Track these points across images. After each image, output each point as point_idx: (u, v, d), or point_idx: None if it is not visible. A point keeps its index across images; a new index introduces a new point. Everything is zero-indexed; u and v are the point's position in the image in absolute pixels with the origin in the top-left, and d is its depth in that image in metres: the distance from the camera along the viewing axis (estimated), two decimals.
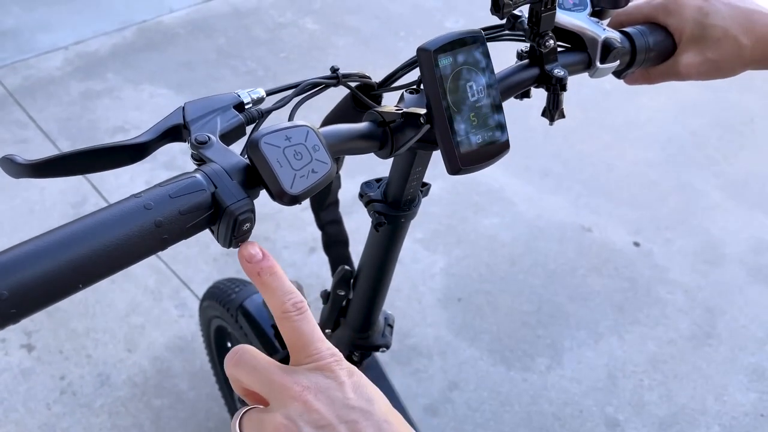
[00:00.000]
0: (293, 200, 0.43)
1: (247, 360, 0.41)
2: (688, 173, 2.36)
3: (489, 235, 2.07)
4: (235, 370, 0.41)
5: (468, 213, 2.14)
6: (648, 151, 2.45)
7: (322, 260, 1.92)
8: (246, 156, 0.44)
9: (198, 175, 0.42)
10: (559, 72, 0.57)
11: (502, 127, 0.52)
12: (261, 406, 0.40)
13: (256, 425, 0.39)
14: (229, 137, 0.48)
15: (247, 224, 0.42)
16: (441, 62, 0.49)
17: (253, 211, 0.42)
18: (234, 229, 0.42)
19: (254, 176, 0.43)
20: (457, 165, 0.50)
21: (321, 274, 1.90)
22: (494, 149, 0.52)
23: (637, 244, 2.08)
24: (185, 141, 0.48)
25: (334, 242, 0.89)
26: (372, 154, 0.53)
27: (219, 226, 0.42)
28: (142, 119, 2.37)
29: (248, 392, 0.42)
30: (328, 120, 0.67)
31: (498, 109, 0.52)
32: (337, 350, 0.41)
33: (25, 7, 2.94)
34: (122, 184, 2.09)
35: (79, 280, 0.38)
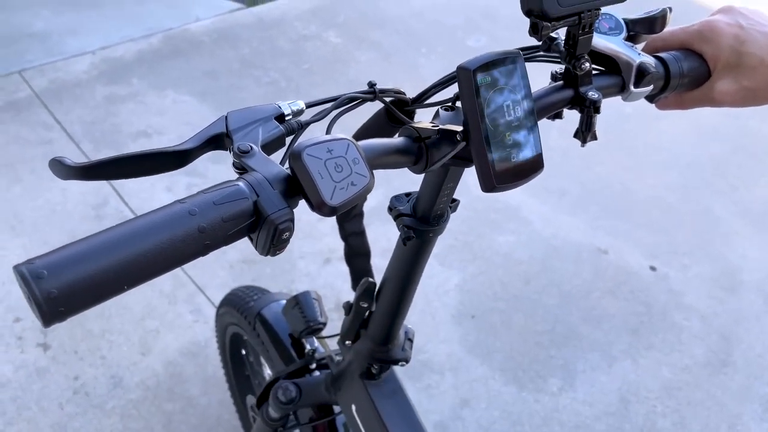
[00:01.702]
0: (332, 211, 0.44)
1: None
2: (706, 199, 2.35)
3: (504, 252, 2.07)
4: None
5: (484, 230, 2.14)
6: (667, 175, 2.44)
7: (337, 271, 1.93)
8: (287, 166, 0.45)
9: (241, 184, 0.43)
10: (593, 95, 0.58)
11: (537, 146, 0.53)
12: None
13: None
14: (269, 147, 0.49)
15: (287, 233, 0.43)
16: (480, 81, 0.50)
17: (292, 220, 0.43)
18: (273, 238, 0.43)
19: (295, 186, 0.44)
20: (492, 183, 0.51)
21: (335, 285, 1.90)
22: (529, 168, 0.52)
23: (653, 268, 2.07)
24: (227, 149, 0.49)
25: (356, 254, 0.90)
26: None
27: (259, 234, 0.43)
28: (164, 125, 2.40)
29: None
30: (361, 133, 0.68)
31: (533, 128, 0.53)
32: None
33: (55, 11, 2.99)
34: (143, 188, 2.11)
35: (124, 281, 0.38)
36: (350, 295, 1.99)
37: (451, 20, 3.23)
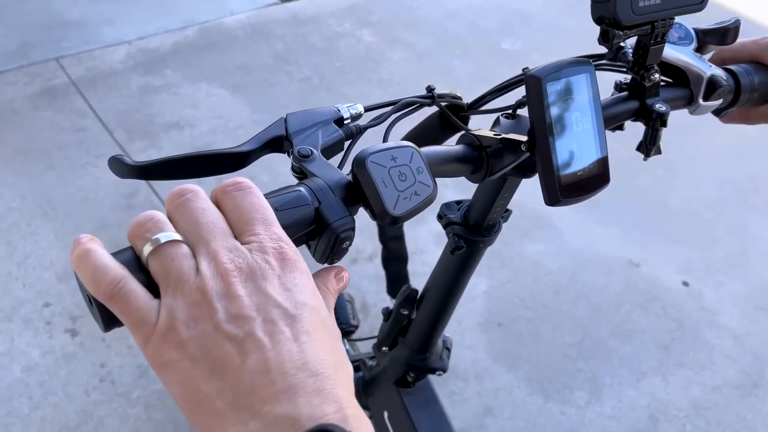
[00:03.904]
0: (394, 221, 0.42)
1: (198, 207, 0.36)
2: (743, 216, 2.29)
3: (534, 261, 2.04)
4: (177, 211, 0.36)
5: (514, 237, 2.11)
6: (703, 190, 2.39)
7: (363, 272, 1.92)
8: (350, 173, 0.43)
9: (302, 189, 0.41)
10: (660, 107, 0.56)
11: (604, 159, 0.51)
12: (186, 249, 0.35)
13: (174, 278, 0.35)
14: (328, 151, 0.48)
15: (347, 242, 0.42)
16: (549, 89, 0.48)
17: (353, 229, 0.42)
18: (334, 246, 0.41)
19: (356, 193, 0.43)
20: (557, 196, 0.49)
21: (362, 285, 1.89)
22: (595, 182, 0.50)
23: (686, 284, 2.03)
24: (285, 152, 0.48)
25: (394, 258, 0.89)
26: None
27: (318, 242, 0.42)
28: (197, 117, 2.41)
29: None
30: (412, 136, 0.66)
31: (601, 140, 0.51)
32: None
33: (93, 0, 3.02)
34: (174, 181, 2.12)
35: None
36: (376, 297, 1.97)
37: (485, 23, 3.20)
